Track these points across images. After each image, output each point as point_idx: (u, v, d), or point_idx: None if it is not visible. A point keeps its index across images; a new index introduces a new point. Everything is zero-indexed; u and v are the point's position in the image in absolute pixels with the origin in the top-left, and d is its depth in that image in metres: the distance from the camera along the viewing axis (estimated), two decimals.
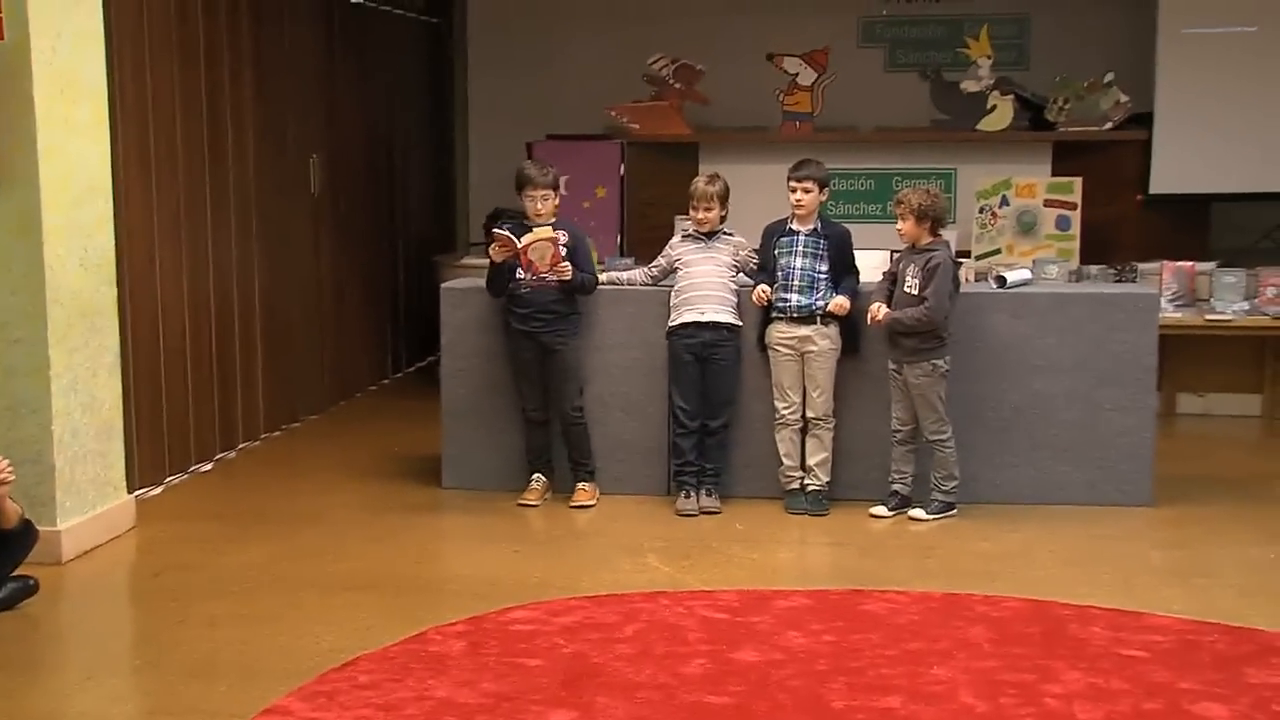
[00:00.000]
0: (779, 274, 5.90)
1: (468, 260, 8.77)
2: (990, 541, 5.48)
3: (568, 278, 5.89)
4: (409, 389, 8.98)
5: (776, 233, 5.95)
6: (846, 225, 6.09)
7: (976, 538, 5.53)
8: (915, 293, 5.67)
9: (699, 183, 6.04)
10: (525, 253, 5.82)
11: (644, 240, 8.21)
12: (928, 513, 5.77)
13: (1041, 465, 6.00)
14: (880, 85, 9.21)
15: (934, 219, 5.70)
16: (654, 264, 6.22)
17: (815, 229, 5.91)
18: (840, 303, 5.82)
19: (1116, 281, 7.63)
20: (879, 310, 5.74)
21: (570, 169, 8.49)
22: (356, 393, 8.61)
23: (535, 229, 5.88)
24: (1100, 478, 5.97)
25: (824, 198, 5.96)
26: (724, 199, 6.01)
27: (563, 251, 5.88)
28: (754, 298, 5.91)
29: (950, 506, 5.79)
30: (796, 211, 5.90)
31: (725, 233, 6.07)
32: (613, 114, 8.75)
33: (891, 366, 5.82)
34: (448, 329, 6.29)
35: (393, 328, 9.30)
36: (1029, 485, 6.00)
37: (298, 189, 7.75)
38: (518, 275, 5.93)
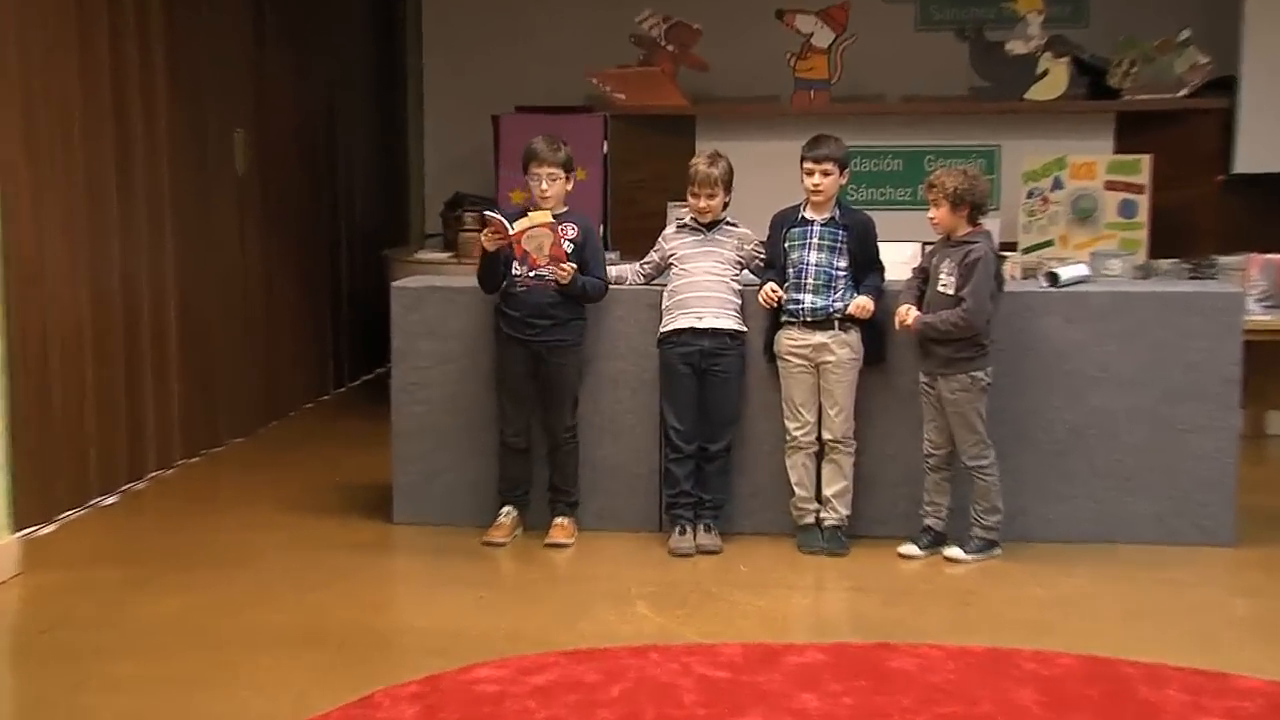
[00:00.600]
0: (790, 271, 5.90)
1: (423, 254, 8.77)
2: (1042, 587, 5.47)
3: (565, 280, 5.87)
4: (354, 406, 8.95)
5: (787, 222, 5.95)
6: (869, 213, 6.09)
7: (1025, 582, 5.53)
8: (950, 292, 5.67)
9: (698, 164, 6.03)
10: (519, 241, 5.80)
11: (631, 231, 8.21)
12: (966, 552, 5.77)
13: (1102, 496, 6.00)
14: (910, 47, 9.23)
15: (972, 205, 5.70)
16: (645, 260, 6.23)
17: (833, 217, 5.91)
18: (862, 304, 5.82)
19: (1192, 278, 7.63)
20: (908, 313, 5.74)
21: None
22: (291, 411, 8.59)
23: (531, 213, 5.86)
24: (1173, 511, 5.97)
25: (844, 181, 5.96)
26: (727, 183, 6.01)
27: (568, 247, 5.87)
28: (761, 298, 5.90)
29: (993, 544, 5.79)
30: (813, 198, 5.90)
31: (728, 223, 6.07)
32: (594, 81, 8.75)
33: (923, 379, 5.82)
34: (400, 335, 6.28)
35: (335, 333, 9.29)
36: (1088, 520, 6.00)
37: (220, 169, 7.75)
38: (514, 270, 5.93)
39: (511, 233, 5.79)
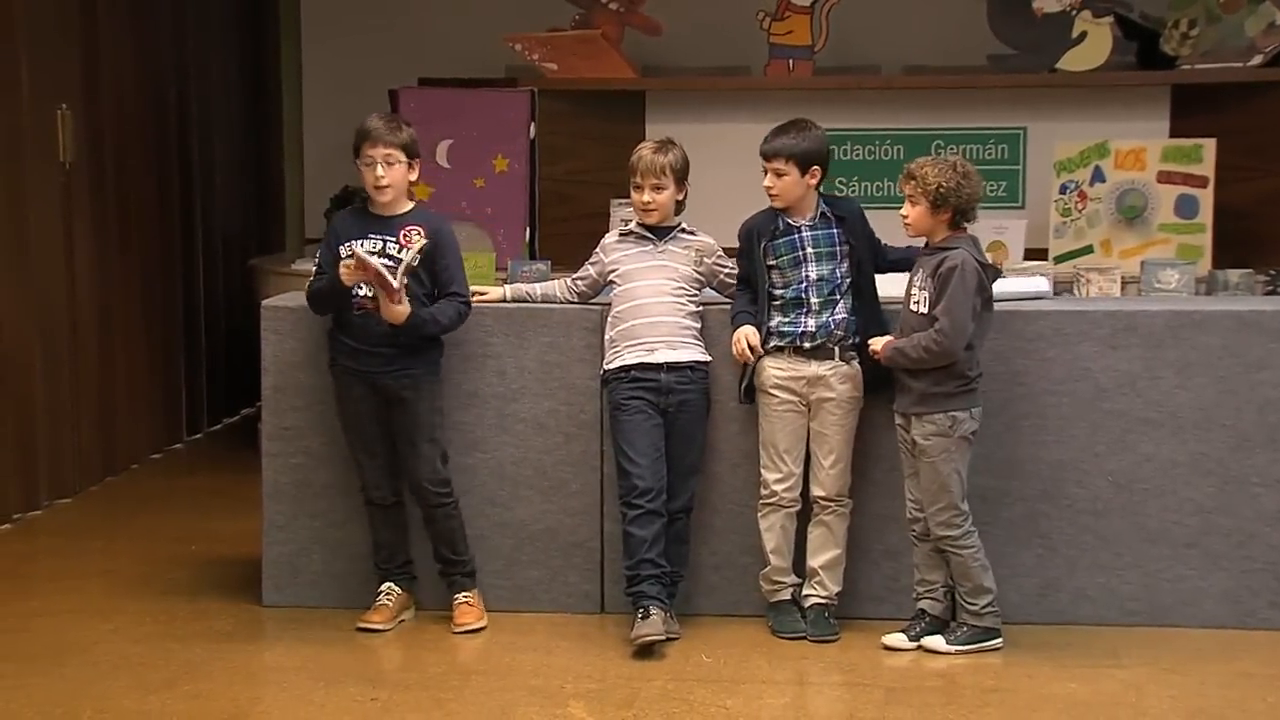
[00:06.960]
0: (787, 290, 5.89)
1: (302, 264, 8.74)
2: (1080, 682, 5.49)
3: (398, 319, 5.79)
4: (214, 457, 8.93)
5: (764, 233, 5.94)
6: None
7: (1059, 676, 5.54)
8: (924, 310, 5.67)
9: (643, 150, 6.05)
10: (390, 293, 5.75)
11: (565, 236, 8.22)
12: (949, 642, 5.75)
13: (1155, 569, 6.03)
14: (913, 5, 9.27)
15: (957, 208, 5.69)
16: (580, 274, 6.24)
17: (823, 214, 5.94)
18: (889, 340, 5.77)
19: (1269, 293, 7.68)
20: (878, 339, 5.77)
21: (455, 131, 8.47)
22: (132, 464, 8.55)
23: (409, 253, 5.82)
24: (1245, 587, 6.00)
25: (814, 181, 5.94)
26: (681, 176, 6.02)
27: (413, 260, 5.82)
28: (736, 350, 5.88)
29: (989, 634, 5.77)
30: (772, 202, 5.93)
31: (684, 231, 6.09)
32: (517, 48, 8.75)
33: (898, 420, 5.82)
34: (273, 366, 6.27)
35: (189, 366, 9.24)
36: (1137, 598, 6.03)
37: (39, 154, 7.70)
38: (354, 293, 5.92)
39: (394, 285, 5.73)
